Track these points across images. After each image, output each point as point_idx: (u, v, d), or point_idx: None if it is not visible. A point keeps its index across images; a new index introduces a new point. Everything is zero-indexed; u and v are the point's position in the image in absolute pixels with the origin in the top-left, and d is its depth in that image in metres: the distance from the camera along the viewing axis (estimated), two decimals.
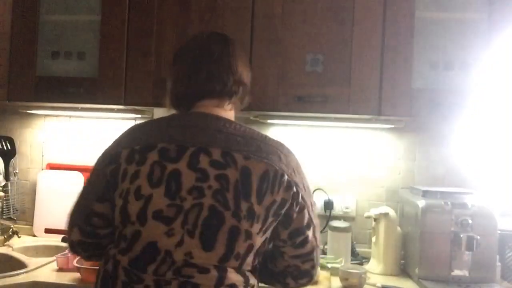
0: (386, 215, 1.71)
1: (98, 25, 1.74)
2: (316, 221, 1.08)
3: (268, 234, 1.00)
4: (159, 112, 1.87)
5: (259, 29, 1.66)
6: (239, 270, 0.96)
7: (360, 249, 1.89)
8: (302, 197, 1.01)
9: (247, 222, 0.94)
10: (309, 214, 1.04)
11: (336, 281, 1.55)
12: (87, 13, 1.78)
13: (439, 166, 1.93)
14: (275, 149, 1.01)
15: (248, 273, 0.98)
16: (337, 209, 1.96)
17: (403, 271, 1.74)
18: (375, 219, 1.75)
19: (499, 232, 1.59)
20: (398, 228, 1.74)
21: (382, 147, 1.97)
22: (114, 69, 1.71)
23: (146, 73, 1.70)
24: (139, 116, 1.98)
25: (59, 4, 1.80)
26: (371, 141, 1.97)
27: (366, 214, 1.80)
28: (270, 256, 1.10)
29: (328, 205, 1.95)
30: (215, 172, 0.95)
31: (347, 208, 1.96)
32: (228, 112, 1.11)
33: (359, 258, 1.83)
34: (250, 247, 0.96)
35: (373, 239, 1.77)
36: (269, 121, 1.91)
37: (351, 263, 1.72)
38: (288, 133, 2.02)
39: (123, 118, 2.09)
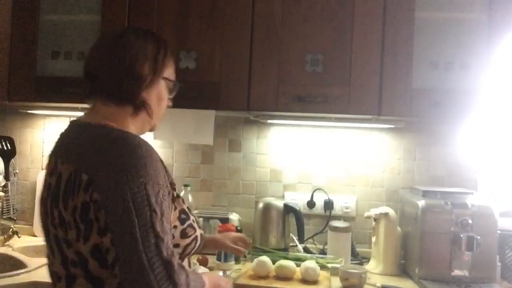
0: (386, 215, 1.71)
1: (98, 25, 1.74)
2: (158, 208, 0.86)
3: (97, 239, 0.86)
4: None
5: (259, 29, 1.66)
6: (86, 277, 0.88)
7: (360, 249, 1.89)
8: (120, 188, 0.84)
9: (61, 229, 0.90)
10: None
11: (336, 281, 1.55)
12: (87, 13, 1.78)
13: (439, 166, 1.93)
14: (88, 146, 0.92)
15: (99, 281, 0.88)
16: (337, 209, 1.96)
17: (403, 271, 1.74)
18: (375, 219, 1.75)
19: (499, 232, 1.59)
20: (398, 228, 1.74)
21: (382, 147, 1.97)
22: None
23: None
24: None
25: (59, 4, 1.80)
26: (371, 141, 1.97)
27: (366, 214, 1.80)
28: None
29: (328, 205, 1.95)
30: (47, 180, 0.97)
31: (347, 208, 1.96)
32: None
33: (359, 258, 1.83)
34: (79, 254, 0.88)
35: (373, 239, 1.77)
36: (269, 121, 1.92)
37: (351, 263, 1.72)
38: (288, 133, 2.02)
39: None
